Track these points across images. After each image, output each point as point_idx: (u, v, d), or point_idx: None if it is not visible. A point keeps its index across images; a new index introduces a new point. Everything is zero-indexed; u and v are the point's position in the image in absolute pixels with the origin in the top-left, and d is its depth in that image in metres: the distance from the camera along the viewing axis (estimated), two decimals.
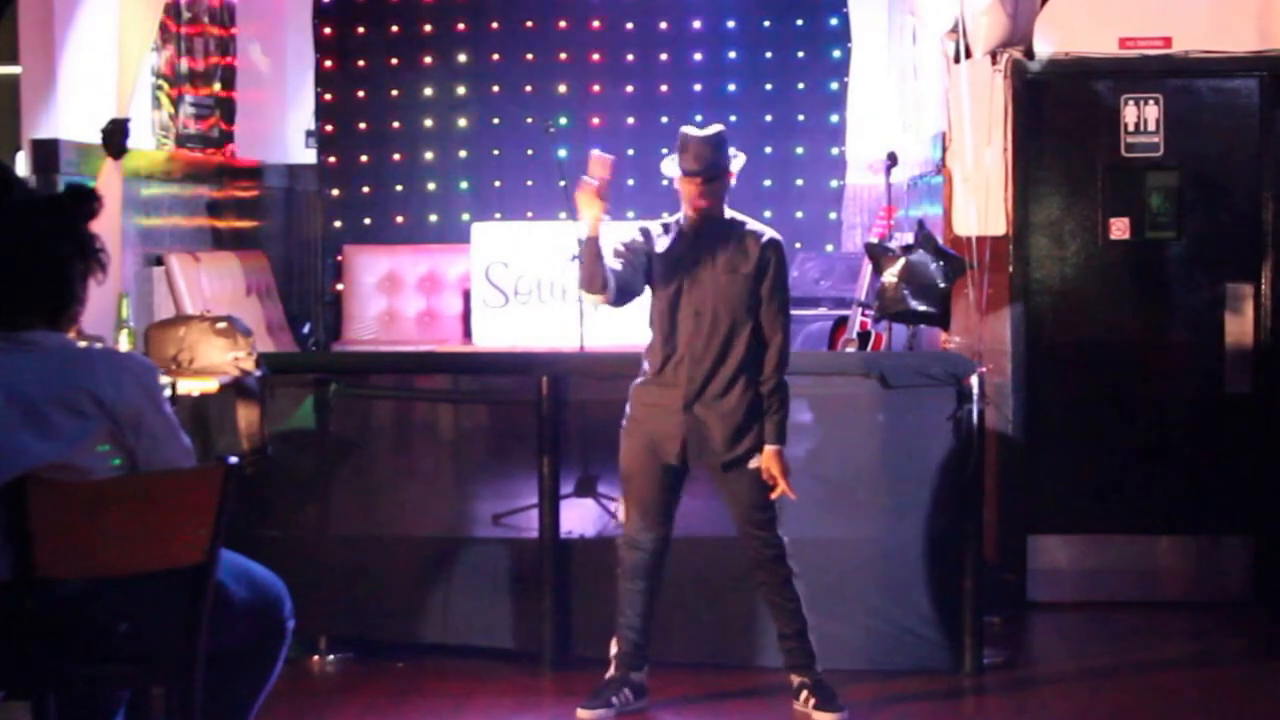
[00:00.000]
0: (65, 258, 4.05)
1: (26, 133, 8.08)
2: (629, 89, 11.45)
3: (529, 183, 11.34)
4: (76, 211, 4.08)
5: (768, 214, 11.30)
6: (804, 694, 6.08)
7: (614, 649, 6.15)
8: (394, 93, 11.50)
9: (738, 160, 6.04)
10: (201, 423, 6.36)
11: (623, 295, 5.98)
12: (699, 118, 11.10)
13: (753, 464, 5.95)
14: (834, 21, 11.33)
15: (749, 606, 6.50)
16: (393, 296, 11.08)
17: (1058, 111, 7.80)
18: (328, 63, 11.42)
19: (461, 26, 11.50)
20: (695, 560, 6.57)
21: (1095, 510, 7.79)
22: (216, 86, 10.54)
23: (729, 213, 6.06)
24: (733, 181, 6.06)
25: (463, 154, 11.54)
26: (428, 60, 11.48)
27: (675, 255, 5.98)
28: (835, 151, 11.31)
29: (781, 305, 5.99)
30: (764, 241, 5.99)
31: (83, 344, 5.77)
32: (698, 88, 11.45)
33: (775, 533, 6.02)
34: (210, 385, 6.23)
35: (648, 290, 6.06)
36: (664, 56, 11.47)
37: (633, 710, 6.11)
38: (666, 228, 6.08)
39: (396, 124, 11.53)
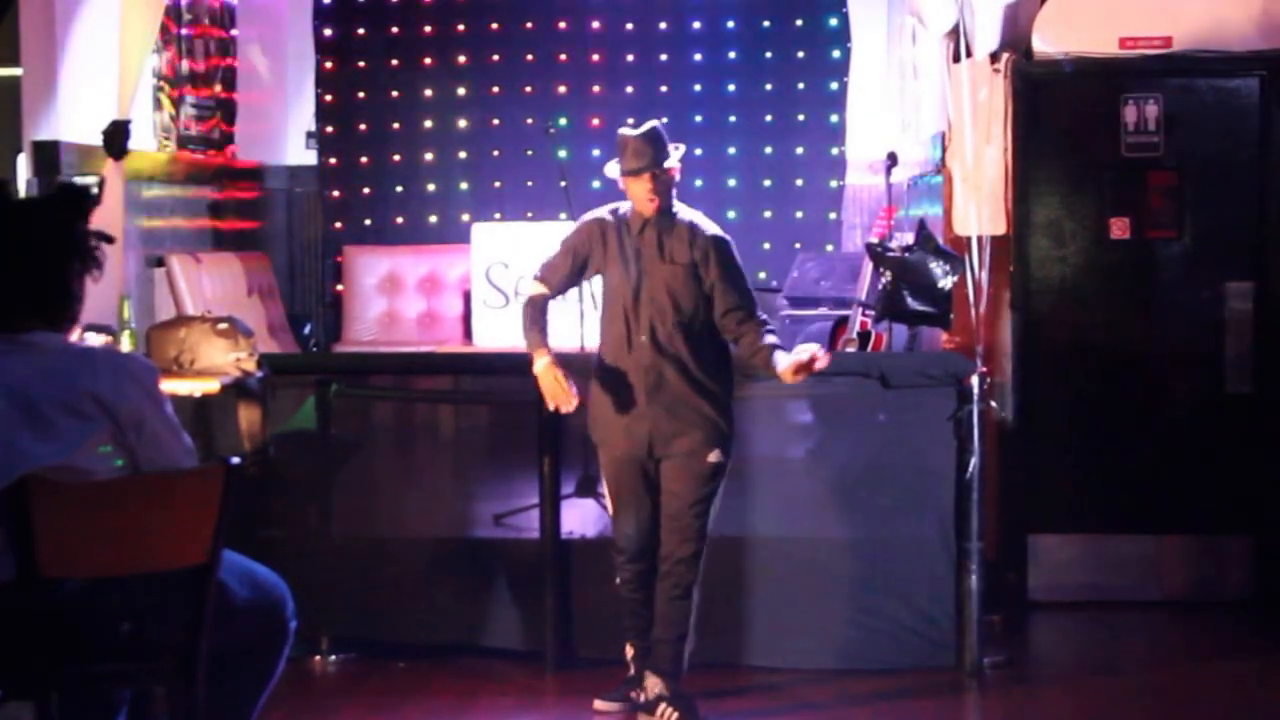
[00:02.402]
0: (62, 257, 4.05)
1: (28, 134, 8.09)
2: (629, 89, 11.44)
3: (529, 183, 11.33)
4: (71, 210, 4.09)
5: (767, 214, 11.33)
6: (662, 706, 6.00)
7: (630, 652, 6.15)
8: (394, 94, 11.50)
9: (677, 151, 6.03)
10: (203, 423, 6.37)
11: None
12: (699, 118, 11.19)
13: (711, 457, 5.92)
14: (834, 22, 11.32)
15: (744, 606, 6.51)
16: (393, 297, 11.08)
17: (1058, 111, 7.81)
18: (328, 64, 11.42)
19: (461, 28, 11.49)
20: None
21: (1096, 510, 7.80)
22: (217, 88, 10.55)
23: (678, 207, 6.05)
24: (677, 176, 6.03)
25: (463, 155, 11.54)
26: (428, 61, 11.48)
27: (628, 251, 5.98)
28: (835, 152, 11.30)
29: (740, 288, 5.96)
30: (707, 235, 5.98)
31: (92, 336, 5.83)
32: (697, 88, 11.45)
33: (705, 532, 5.98)
34: (211, 386, 6.23)
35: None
36: (664, 57, 11.46)
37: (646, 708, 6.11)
38: (616, 220, 6.05)
39: (397, 125, 11.53)
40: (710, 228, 6.02)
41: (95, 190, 7.13)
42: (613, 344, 6.00)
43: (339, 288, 11.26)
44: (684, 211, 6.05)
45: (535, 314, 6.02)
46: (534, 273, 6.12)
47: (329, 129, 11.46)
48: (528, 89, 11.43)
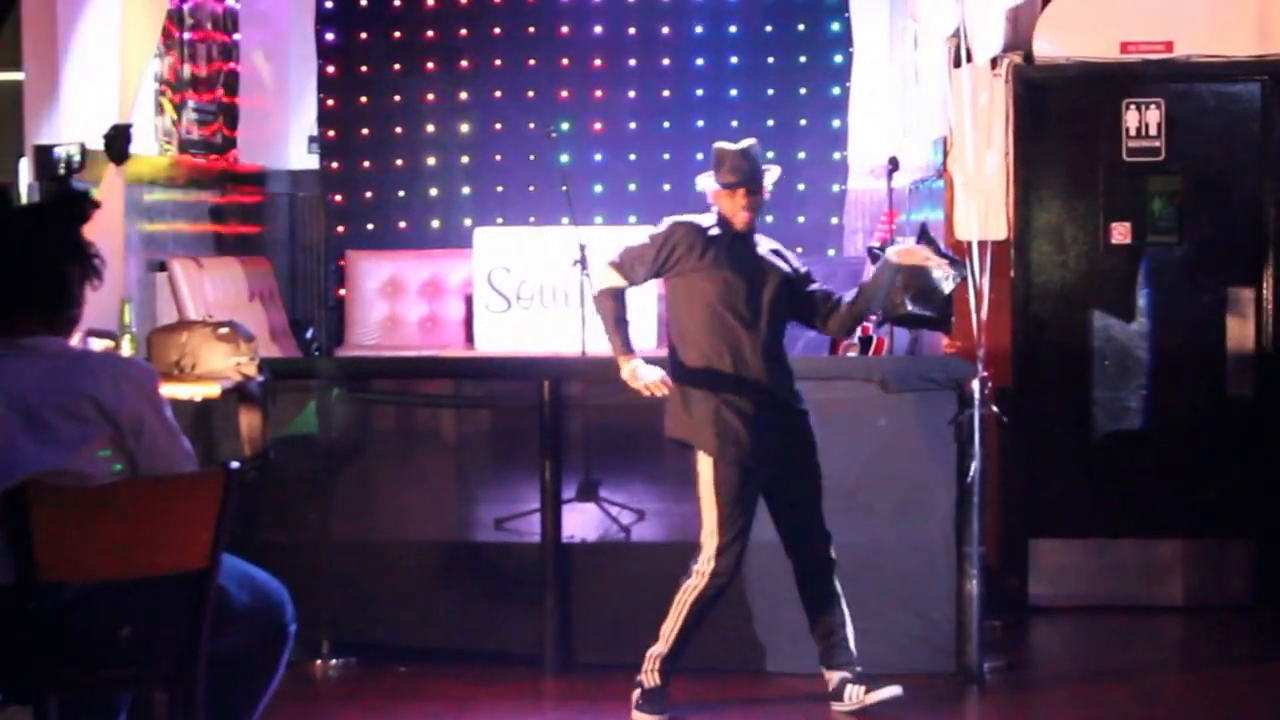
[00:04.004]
0: (62, 261, 4.06)
1: (29, 139, 8.10)
2: (631, 94, 11.45)
3: (531, 188, 11.35)
4: (71, 215, 4.09)
5: (769, 219, 11.29)
6: (849, 687, 6.13)
7: (657, 663, 6.06)
8: (396, 98, 11.51)
9: (772, 172, 6.11)
10: (203, 428, 6.37)
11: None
12: (700, 123, 11.18)
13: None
14: (835, 26, 11.33)
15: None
16: (395, 301, 11.09)
17: (1059, 116, 7.81)
18: (330, 68, 11.43)
19: (464, 32, 11.50)
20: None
21: (1097, 514, 7.79)
22: (219, 92, 10.56)
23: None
24: (768, 196, 6.15)
25: (465, 159, 11.55)
26: (430, 66, 11.49)
27: (726, 259, 6.01)
28: (837, 156, 11.31)
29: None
30: (782, 249, 6.22)
31: (93, 342, 5.83)
32: (700, 92, 11.46)
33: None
34: (212, 390, 6.23)
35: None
36: (666, 61, 11.47)
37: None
38: (709, 233, 6.07)
39: (399, 129, 11.54)
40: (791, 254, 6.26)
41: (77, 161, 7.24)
42: (713, 351, 6.00)
43: (341, 292, 11.26)
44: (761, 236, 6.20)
45: (618, 309, 6.06)
46: (610, 258, 6.09)
47: (331, 133, 11.48)
48: (530, 93, 11.44)
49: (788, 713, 6.31)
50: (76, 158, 7.64)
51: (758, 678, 6.62)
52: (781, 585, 6.30)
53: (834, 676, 6.16)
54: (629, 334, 6.07)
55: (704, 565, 5.98)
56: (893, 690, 6.08)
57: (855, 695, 6.09)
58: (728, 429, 5.95)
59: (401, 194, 11.58)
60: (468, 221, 11.27)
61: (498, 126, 11.48)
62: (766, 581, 6.47)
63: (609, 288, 6.06)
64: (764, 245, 6.16)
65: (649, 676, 6.06)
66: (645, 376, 6.00)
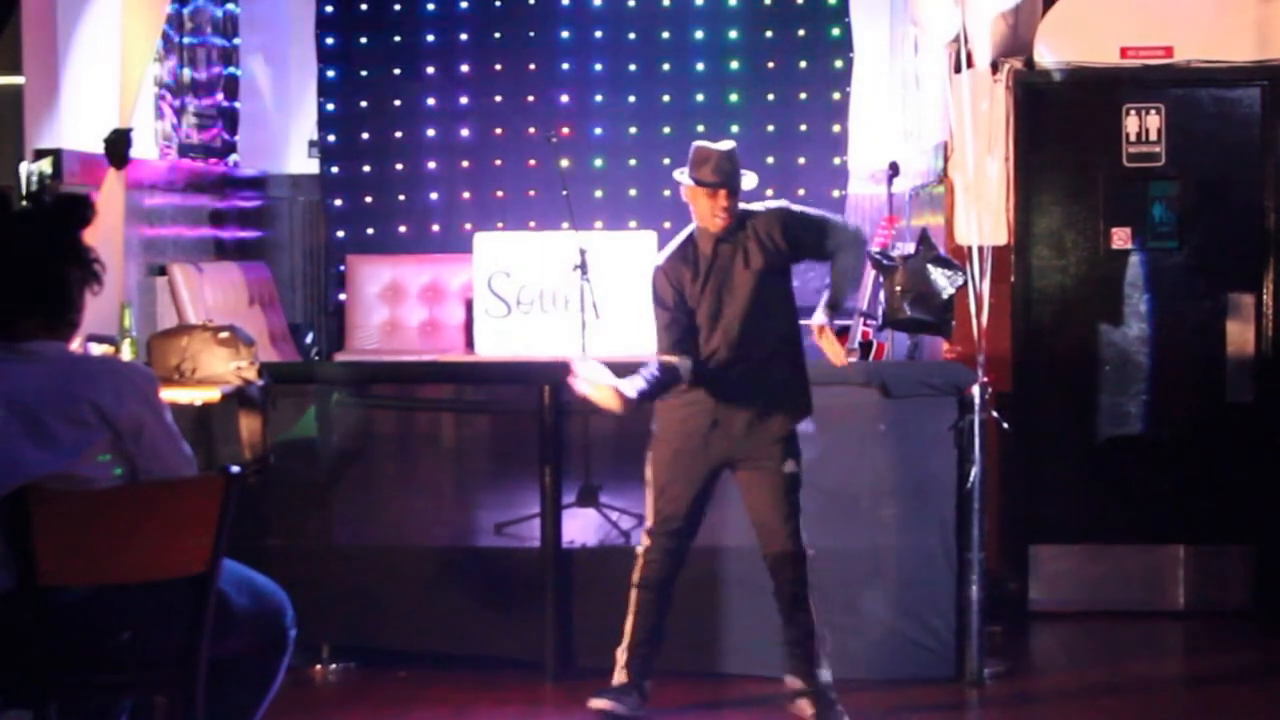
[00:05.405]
0: (62, 265, 4.05)
1: (30, 143, 8.10)
2: (631, 99, 11.45)
3: (531, 192, 11.34)
4: (71, 219, 4.09)
5: None
6: (801, 700, 6.07)
7: (622, 658, 6.13)
8: (396, 102, 11.51)
9: (749, 179, 6.03)
10: (204, 432, 6.37)
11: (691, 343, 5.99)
12: (701, 128, 11.17)
13: (787, 468, 5.97)
14: (836, 31, 11.33)
15: (745, 616, 6.51)
16: (395, 306, 11.08)
17: (1059, 121, 7.82)
18: (330, 72, 11.43)
19: (464, 36, 11.50)
20: (695, 568, 6.56)
21: (1097, 519, 7.80)
22: (219, 96, 10.55)
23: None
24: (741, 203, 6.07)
25: (465, 164, 11.54)
26: (430, 70, 11.49)
27: (705, 274, 5.97)
28: (837, 161, 11.31)
29: (821, 224, 6.06)
30: (775, 211, 6.05)
31: (94, 347, 5.83)
32: (700, 97, 11.45)
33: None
34: (213, 395, 6.23)
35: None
36: (666, 66, 11.46)
37: (638, 716, 6.10)
38: (682, 254, 6.03)
39: (399, 133, 11.54)
40: (773, 204, 6.10)
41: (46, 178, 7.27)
42: (704, 345, 5.98)
43: (341, 296, 11.26)
44: (743, 209, 6.05)
45: (662, 377, 5.90)
46: (660, 351, 5.99)
47: (331, 137, 11.48)
48: (530, 98, 11.43)
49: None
50: (48, 172, 7.68)
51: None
52: (747, 588, 6.30)
53: (792, 685, 6.12)
54: (644, 379, 5.86)
55: (640, 548, 6.06)
56: None
57: (806, 712, 6.06)
58: (675, 413, 5.97)
59: (402, 198, 11.57)
60: (468, 226, 11.26)
61: (498, 131, 11.47)
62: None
63: (670, 363, 5.93)
64: (746, 230, 5.99)
65: (616, 674, 6.10)
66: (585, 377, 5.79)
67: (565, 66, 11.46)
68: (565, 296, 10.24)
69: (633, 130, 11.50)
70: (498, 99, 11.46)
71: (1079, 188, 7.82)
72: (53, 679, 3.93)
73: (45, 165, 7.72)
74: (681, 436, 5.98)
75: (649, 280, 6.03)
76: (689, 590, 6.14)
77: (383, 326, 11.04)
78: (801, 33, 11.39)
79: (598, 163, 11.24)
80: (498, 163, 11.49)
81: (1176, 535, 7.78)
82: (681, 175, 6.02)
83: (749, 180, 6.01)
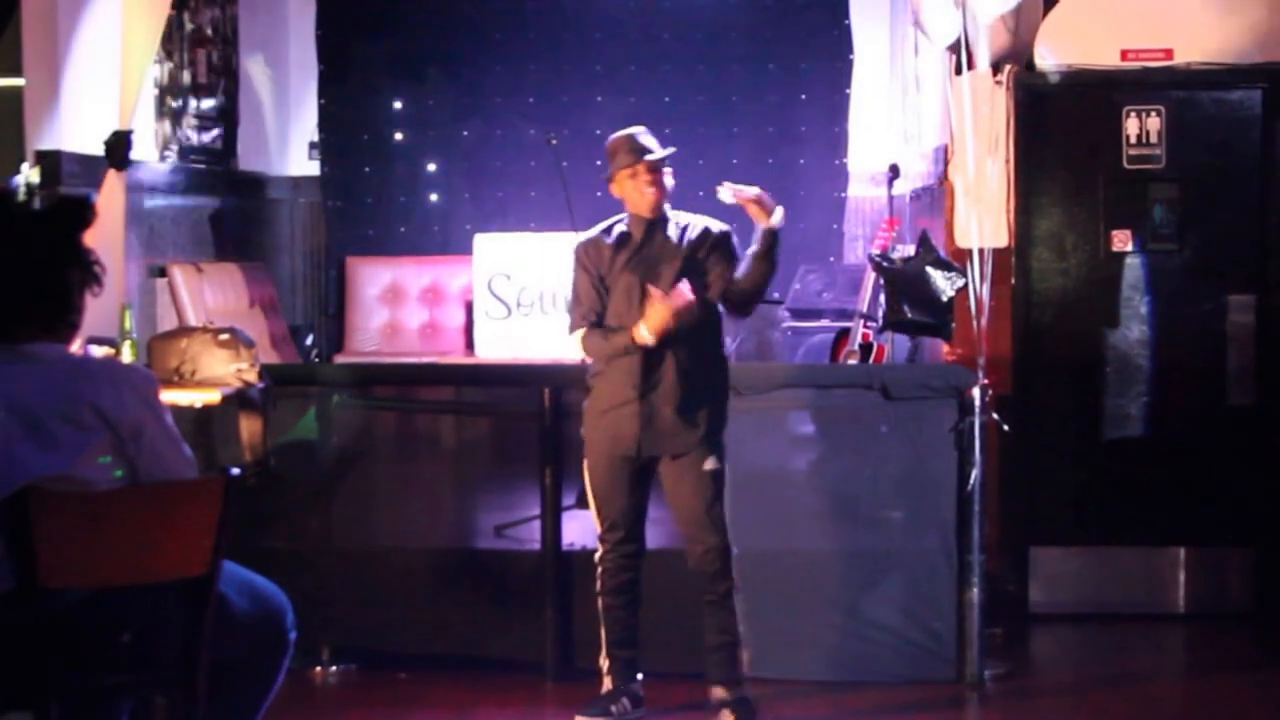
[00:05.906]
0: (62, 267, 4.05)
1: (30, 144, 8.10)
2: (631, 100, 11.42)
3: (531, 194, 11.32)
4: (71, 221, 4.09)
5: None
6: (724, 711, 6.02)
7: (604, 665, 6.13)
8: (396, 104, 11.50)
9: (668, 151, 6.08)
10: (204, 434, 6.37)
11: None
12: (701, 130, 11.16)
13: (707, 465, 5.93)
14: (836, 34, 11.32)
15: (745, 618, 6.49)
16: (395, 308, 11.08)
17: (1060, 123, 7.82)
18: (330, 74, 11.42)
19: (464, 38, 11.48)
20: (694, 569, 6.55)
21: (1097, 522, 7.80)
22: (219, 98, 10.55)
23: (670, 211, 6.09)
24: (670, 180, 6.07)
25: (465, 165, 11.53)
26: (430, 71, 11.48)
27: (633, 260, 5.99)
28: (837, 163, 11.30)
29: (735, 263, 6.02)
30: (714, 231, 6.06)
31: (94, 349, 5.83)
32: (700, 99, 11.44)
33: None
34: (213, 397, 6.23)
35: None
36: (666, 68, 11.46)
37: (630, 719, 6.10)
38: (611, 236, 6.09)
39: (399, 135, 11.53)
40: (718, 225, 6.10)
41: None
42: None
43: (341, 298, 11.25)
44: (684, 214, 6.11)
45: (599, 333, 5.96)
46: (571, 324, 6.07)
47: (331, 139, 11.46)
48: (530, 100, 11.42)
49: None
50: (35, 181, 7.69)
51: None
52: (746, 588, 6.31)
53: (717, 695, 6.07)
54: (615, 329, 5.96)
55: (596, 556, 6.10)
56: None
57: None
58: (602, 418, 5.97)
59: (402, 200, 11.55)
60: (468, 227, 11.25)
61: (498, 133, 11.46)
62: (748, 588, 6.48)
63: (584, 333, 6.01)
64: (677, 225, 6.04)
65: (603, 682, 6.10)
66: (660, 313, 5.79)
67: (565, 68, 11.45)
68: (566, 298, 10.23)
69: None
70: (498, 100, 11.46)
71: (1079, 190, 7.82)
72: (53, 680, 3.93)
73: (34, 174, 7.72)
74: (611, 441, 5.98)
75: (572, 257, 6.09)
76: (689, 590, 6.12)
77: (383, 328, 11.04)
78: (802, 35, 11.38)
79: (598, 164, 11.22)
80: (498, 164, 11.48)
81: (1177, 537, 7.78)
82: (618, 165, 6.03)
83: (668, 152, 6.06)
